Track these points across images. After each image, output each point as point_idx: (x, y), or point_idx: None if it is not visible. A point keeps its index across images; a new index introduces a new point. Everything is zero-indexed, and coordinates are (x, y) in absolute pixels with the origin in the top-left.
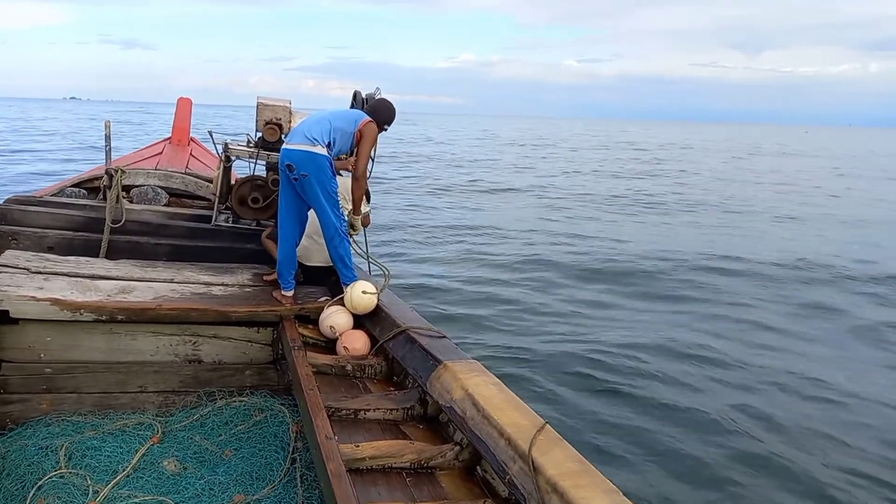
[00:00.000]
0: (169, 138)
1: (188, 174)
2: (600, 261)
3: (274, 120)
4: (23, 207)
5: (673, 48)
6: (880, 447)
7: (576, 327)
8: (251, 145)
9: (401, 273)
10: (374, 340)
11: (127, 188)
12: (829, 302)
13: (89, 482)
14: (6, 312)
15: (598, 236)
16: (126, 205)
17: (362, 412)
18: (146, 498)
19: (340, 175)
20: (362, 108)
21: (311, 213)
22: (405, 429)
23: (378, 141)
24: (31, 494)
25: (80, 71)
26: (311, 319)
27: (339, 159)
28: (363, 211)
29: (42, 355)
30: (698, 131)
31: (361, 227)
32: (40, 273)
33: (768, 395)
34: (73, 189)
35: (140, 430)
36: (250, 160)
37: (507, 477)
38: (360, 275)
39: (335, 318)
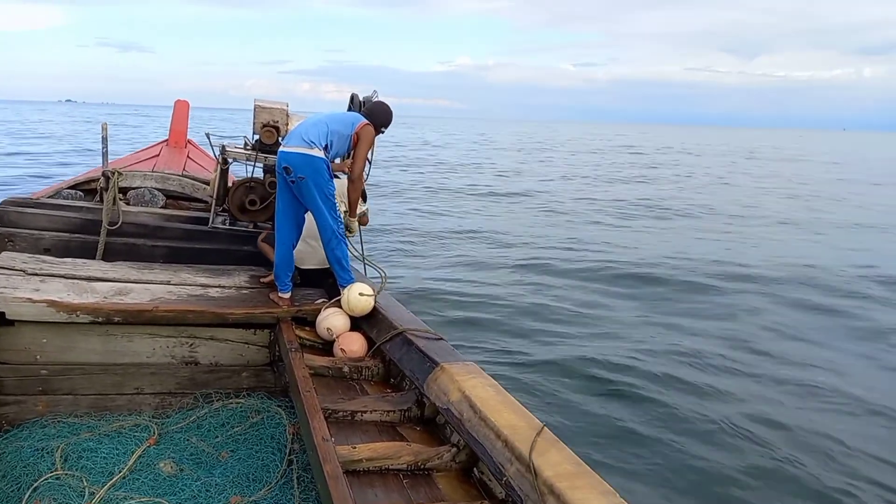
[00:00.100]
0: (166, 140)
1: (185, 176)
2: (601, 265)
3: (271, 122)
4: (19, 209)
5: (667, 52)
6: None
7: (576, 329)
8: (248, 148)
9: (397, 276)
10: (370, 342)
11: (124, 190)
12: (844, 308)
13: (85, 484)
14: (2, 314)
15: (597, 241)
16: (123, 207)
17: (359, 414)
18: (142, 500)
19: (338, 177)
20: (359, 111)
21: (307, 216)
22: (402, 430)
23: (375, 143)
24: (26, 496)
25: (75, 73)
26: (307, 321)
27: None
28: (360, 211)
29: (38, 357)
30: (693, 135)
31: (358, 229)
32: (37, 275)
33: (777, 401)
34: (70, 191)
35: (136, 432)
36: (247, 163)
37: (504, 479)
38: (357, 277)
39: (332, 320)
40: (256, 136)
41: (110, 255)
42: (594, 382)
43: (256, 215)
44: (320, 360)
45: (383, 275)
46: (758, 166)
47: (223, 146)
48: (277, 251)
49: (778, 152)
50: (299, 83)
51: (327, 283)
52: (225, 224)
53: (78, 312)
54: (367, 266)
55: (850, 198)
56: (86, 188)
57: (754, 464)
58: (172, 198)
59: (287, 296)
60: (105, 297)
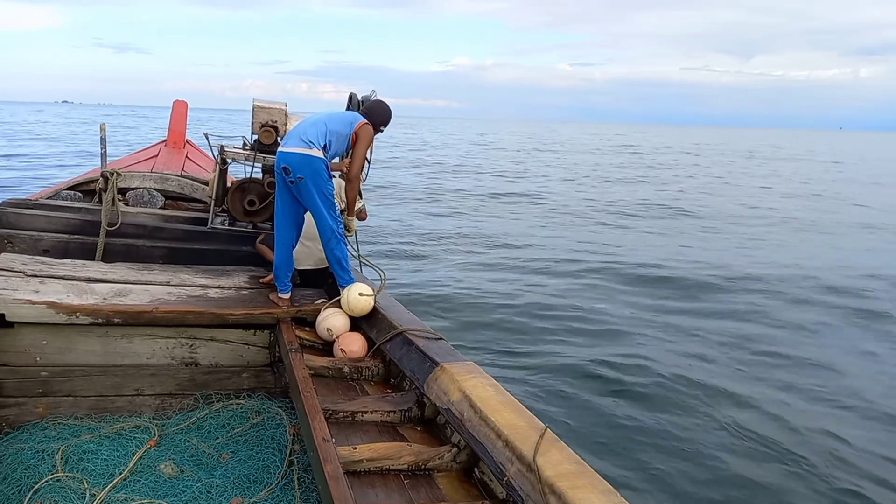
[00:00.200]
0: (165, 141)
1: (184, 177)
2: (602, 265)
3: (270, 122)
4: (18, 210)
5: (664, 52)
6: None
7: (577, 330)
8: (247, 148)
9: (397, 277)
10: (370, 342)
11: (123, 191)
12: (857, 308)
13: (86, 486)
14: (2, 316)
15: (597, 241)
16: (122, 207)
17: (359, 414)
18: (143, 501)
19: (334, 177)
20: (358, 110)
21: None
22: (402, 431)
23: (374, 143)
24: (27, 498)
25: (72, 74)
26: (307, 322)
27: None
28: (357, 206)
29: (38, 359)
30: (692, 135)
31: (356, 229)
32: (36, 276)
33: (782, 402)
34: (69, 192)
35: (137, 434)
36: (246, 163)
37: (505, 478)
38: (357, 277)
39: (332, 321)
40: (255, 137)
41: (109, 256)
42: (595, 383)
43: (255, 216)
44: (320, 361)
45: (382, 275)
46: (758, 165)
47: (222, 146)
48: (277, 251)
49: (777, 151)
50: (297, 83)
51: (327, 283)
52: (224, 224)
53: (77, 314)
54: (367, 266)
55: (854, 197)
56: (84, 189)
57: (757, 464)
58: (171, 198)
59: (287, 296)
60: (104, 299)
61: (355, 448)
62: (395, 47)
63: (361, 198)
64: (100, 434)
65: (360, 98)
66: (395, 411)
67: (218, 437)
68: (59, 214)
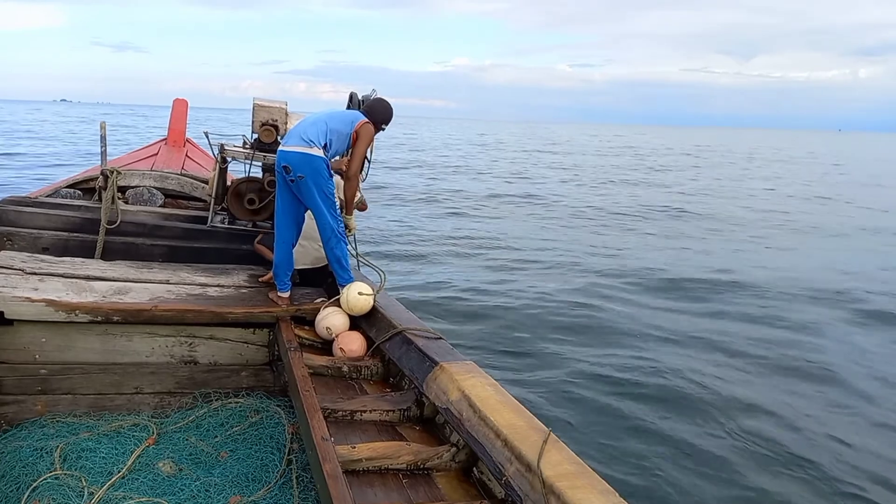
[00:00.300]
0: (165, 139)
1: (184, 175)
2: (603, 265)
3: (270, 121)
4: (18, 208)
5: (663, 53)
6: None
7: (577, 330)
8: (247, 147)
9: (397, 277)
10: (370, 342)
11: (122, 189)
12: (866, 312)
13: (84, 484)
14: (1, 313)
15: (598, 243)
16: (121, 206)
17: (358, 413)
18: (141, 500)
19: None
20: (359, 109)
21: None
22: (401, 430)
23: (374, 142)
24: (25, 496)
25: (70, 74)
26: (307, 321)
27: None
28: (357, 198)
29: (37, 356)
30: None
31: (355, 228)
32: (35, 274)
33: (787, 404)
34: (69, 190)
35: (135, 432)
36: (246, 161)
37: (504, 478)
38: (357, 276)
39: (331, 320)
40: (255, 135)
41: (109, 254)
42: (595, 383)
43: (255, 214)
44: (319, 360)
45: (382, 274)
46: (759, 167)
47: (222, 145)
48: (277, 250)
49: (777, 153)
50: (296, 83)
51: (326, 282)
52: (224, 223)
53: (77, 312)
54: (366, 266)
55: (857, 199)
56: (84, 187)
57: (759, 466)
58: (171, 197)
59: (286, 295)
60: (104, 297)
61: (354, 447)
62: (394, 47)
63: (360, 191)
64: (98, 432)
65: (360, 97)
66: (394, 410)
67: (217, 436)
68: (59, 212)
